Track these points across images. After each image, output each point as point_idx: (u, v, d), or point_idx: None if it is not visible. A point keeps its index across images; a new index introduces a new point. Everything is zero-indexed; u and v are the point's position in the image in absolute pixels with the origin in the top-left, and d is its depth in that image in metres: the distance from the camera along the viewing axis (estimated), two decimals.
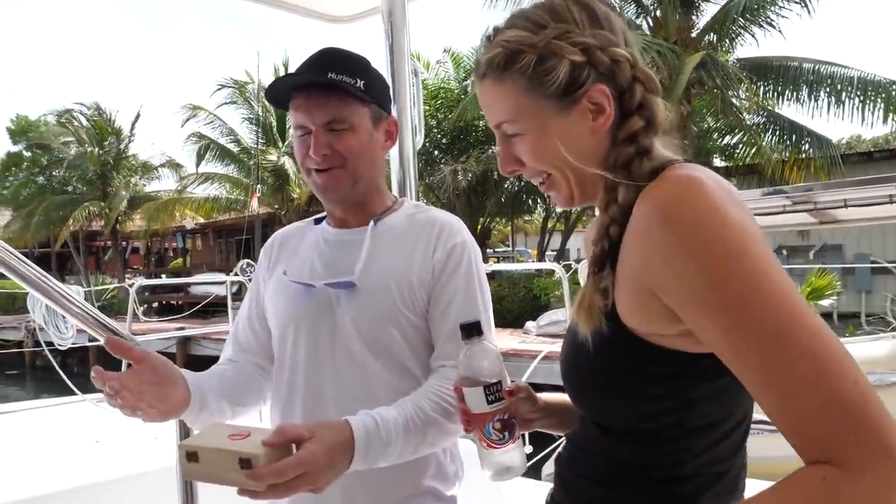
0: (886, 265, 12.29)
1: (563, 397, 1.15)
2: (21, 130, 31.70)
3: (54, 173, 27.66)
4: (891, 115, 11.37)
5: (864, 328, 10.74)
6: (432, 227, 1.39)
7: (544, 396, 1.19)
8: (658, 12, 12.94)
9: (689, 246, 0.76)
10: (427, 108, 17.16)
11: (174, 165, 26.71)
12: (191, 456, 1.00)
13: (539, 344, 9.59)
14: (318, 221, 1.52)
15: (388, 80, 2.34)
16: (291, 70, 1.80)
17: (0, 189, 29.33)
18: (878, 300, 11.60)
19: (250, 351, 1.49)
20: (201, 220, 24.51)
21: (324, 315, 1.36)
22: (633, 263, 0.85)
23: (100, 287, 16.94)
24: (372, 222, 1.41)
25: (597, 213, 1.03)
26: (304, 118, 1.34)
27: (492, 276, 17.01)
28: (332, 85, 1.32)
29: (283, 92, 1.36)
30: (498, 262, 24.37)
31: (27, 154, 30.36)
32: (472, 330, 1.08)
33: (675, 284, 0.79)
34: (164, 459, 1.16)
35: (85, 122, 26.39)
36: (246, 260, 6.56)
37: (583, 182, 0.95)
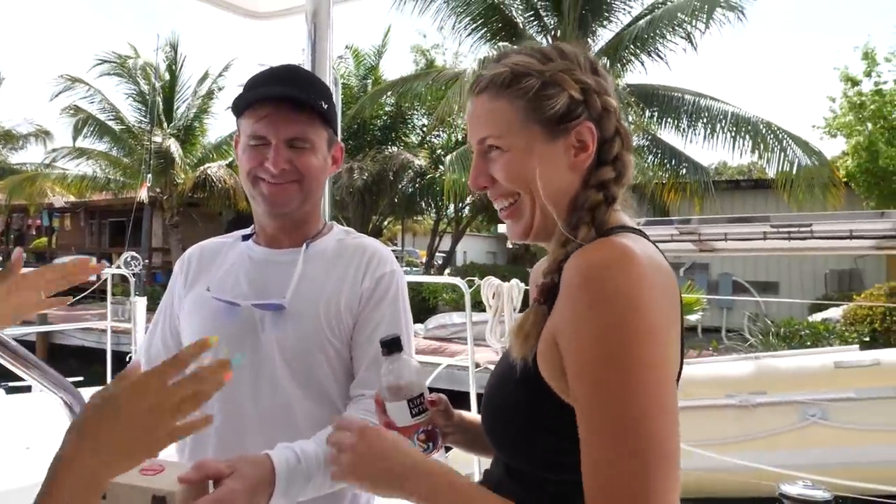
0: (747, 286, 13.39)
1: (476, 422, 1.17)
2: None
3: None
4: (758, 149, 12.39)
5: (725, 342, 11.61)
6: (363, 255, 1.40)
7: (462, 413, 1.21)
8: (558, 32, 13.43)
9: (594, 316, 0.80)
10: None
11: (43, 133, 24.60)
12: None
13: (432, 356, 9.65)
14: (244, 238, 1.48)
15: None
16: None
17: None
18: (737, 317, 12.59)
19: None
20: (72, 199, 22.73)
21: (246, 337, 1.32)
22: (555, 312, 0.88)
23: None
24: (305, 245, 1.39)
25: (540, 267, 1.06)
26: (267, 130, 1.31)
27: None
28: (304, 103, 1.31)
29: (248, 99, 1.33)
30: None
31: None
32: (392, 346, 1.09)
33: (570, 343, 0.83)
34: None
35: None
36: (130, 252, 6.20)
37: (546, 215, 0.98)
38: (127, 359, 5.63)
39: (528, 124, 0.97)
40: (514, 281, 4.20)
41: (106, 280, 6.05)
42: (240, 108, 1.35)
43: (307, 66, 2.34)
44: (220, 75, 20.44)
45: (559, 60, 0.98)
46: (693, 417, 4.19)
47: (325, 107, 1.34)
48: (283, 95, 1.31)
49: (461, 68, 15.09)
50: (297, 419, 1.29)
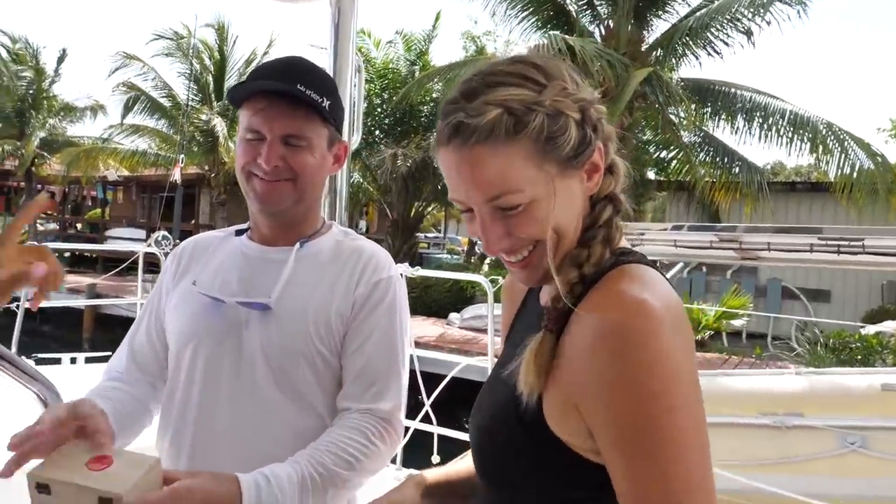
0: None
1: (446, 476, 1.13)
2: None
3: None
4: (816, 150, 11.87)
5: (770, 350, 11.25)
6: (358, 259, 1.34)
7: (428, 482, 1.12)
8: (611, 22, 13.07)
9: (632, 386, 0.75)
10: (373, 87, 16.86)
11: (99, 107, 25.37)
12: (41, 487, 0.87)
13: (453, 355, 9.65)
14: (239, 233, 1.42)
15: (330, 71, 2.24)
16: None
17: None
18: (785, 324, 12.15)
19: (147, 370, 1.37)
20: (125, 173, 23.39)
21: (230, 336, 1.27)
22: (567, 370, 0.82)
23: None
24: (298, 244, 1.33)
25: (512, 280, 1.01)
26: (262, 124, 1.25)
27: (420, 262, 16.81)
28: (300, 99, 1.24)
29: (243, 91, 1.28)
30: (428, 247, 24.34)
31: None
32: None
33: (604, 413, 0.78)
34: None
35: (5, 54, 24.65)
36: (162, 232, 6.28)
37: (563, 252, 0.89)
38: None
39: (544, 167, 0.84)
40: None
41: (155, 255, 6.15)
42: (235, 99, 1.29)
43: (329, 51, 2.28)
44: (265, 54, 20.66)
45: (551, 82, 0.85)
46: (721, 435, 3.99)
47: (327, 103, 1.28)
48: (279, 90, 1.25)
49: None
50: (276, 427, 1.24)
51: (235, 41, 21.45)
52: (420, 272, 3.31)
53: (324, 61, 2.24)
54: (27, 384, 1.47)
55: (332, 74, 2.20)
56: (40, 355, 4.62)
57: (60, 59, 25.46)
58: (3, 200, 28.52)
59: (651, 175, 15.95)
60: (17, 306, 4.66)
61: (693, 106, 12.90)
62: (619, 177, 0.92)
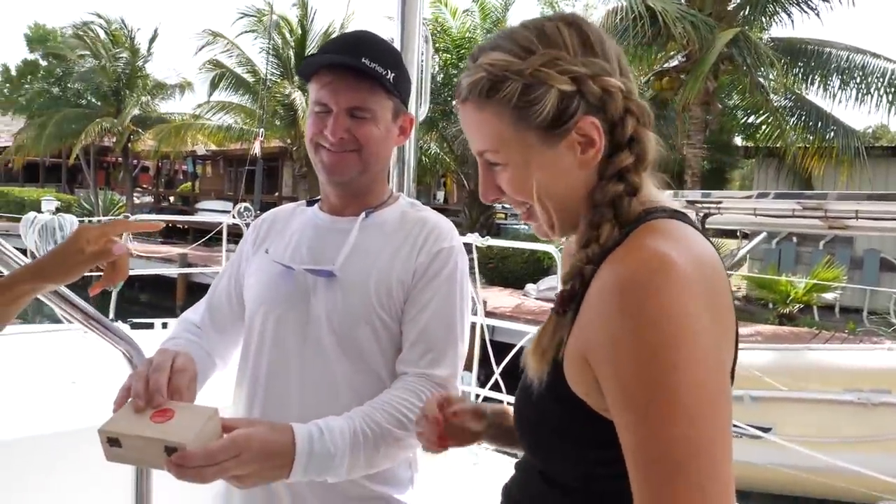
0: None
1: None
2: (38, 39, 31.34)
3: (69, 85, 27.42)
4: None
5: (865, 325, 10.67)
6: (421, 229, 1.36)
7: (496, 412, 1.15)
8: None
9: (636, 342, 0.73)
10: (449, 56, 16.77)
11: (187, 84, 26.42)
12: (112, 441, 0.94)
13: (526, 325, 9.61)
14: (311, 204, 1.48)
15: (397, 42, 2.26)
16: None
17: (15, 96, 29.04)
18: (883, 298, 11.44)
19: (220, 326, 1.46)
20: (213, 147, 24.32)
21: (299, 301, 1.33)
22: (584, 326, 0.81)
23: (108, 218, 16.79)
24: (364, 214, 1.37)
25: (572, 245, 0.99)
26: (329, 97, 1.30)
27: (497, 232, 16.68)
28: (365, 72, 1.28)
29: (311, 66, 1.33)
30: (505, 217, 24.29)
31: (43, 63, 30.07)
32: None
33: (609, 369, 0.77)
34: None
35: (103, 36, 25.95)
36: (244, 204, 6.49)
37: (564, 215, 0.91)
38: None
39: (520, 133, 0.87)
40: None
41: (238, 227, 6.40)
42: (304, 73, 1.34)
43: (397, 22, 2.30)
44: (342, 26, 20.84)
45: (541, 50, 0.86)
46: (803, 411, 3.83)
47: (392, 76, 1.31)
48: (345, 63, 1.29)
49: (591, 21, 14.42)
50: (339, 387, 1.28)
51: (314, 15, 21.77)
52: (489, 242, 3.30)
53: (396, 32, 2.27)
54: (115, 344, 1.58)
55: (399, 45, 2.22)
56: (135, 320, 4.95)
57: (152, 39, 26.58)
58: (102, 175, 30.29)
59: (738, 141, 15.26)
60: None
61: (783, 67, 12.18)
62: (642, 153, 0.87)
